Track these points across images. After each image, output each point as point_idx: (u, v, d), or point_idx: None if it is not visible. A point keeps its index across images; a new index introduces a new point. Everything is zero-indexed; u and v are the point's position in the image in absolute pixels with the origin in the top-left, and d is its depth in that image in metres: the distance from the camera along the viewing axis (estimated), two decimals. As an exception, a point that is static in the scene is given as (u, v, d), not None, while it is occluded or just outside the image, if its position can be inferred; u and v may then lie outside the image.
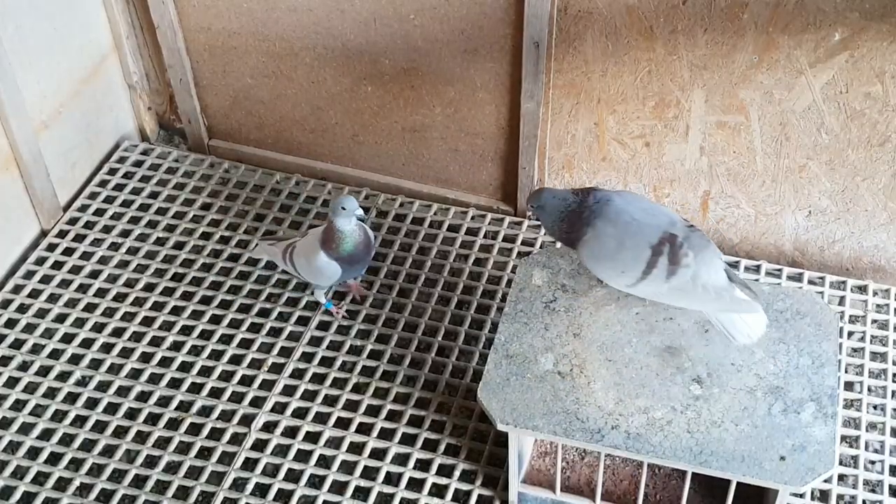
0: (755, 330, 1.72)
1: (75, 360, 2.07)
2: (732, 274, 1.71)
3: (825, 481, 1.86)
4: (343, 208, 1.90)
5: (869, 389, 2.02)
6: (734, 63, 2.00)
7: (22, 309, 2.17)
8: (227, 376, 2.04)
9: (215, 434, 1.95)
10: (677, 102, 2.09)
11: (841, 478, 1.88)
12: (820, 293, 2.17)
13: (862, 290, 2.19)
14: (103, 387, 2.03)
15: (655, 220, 1.69)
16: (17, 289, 2.21)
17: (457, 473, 1.89)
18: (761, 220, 2.22)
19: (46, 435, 1.95)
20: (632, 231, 1.68)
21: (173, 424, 1.96)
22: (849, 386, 2.02)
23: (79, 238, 2.32)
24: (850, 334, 2.12)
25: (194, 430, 1.95)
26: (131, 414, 1.98)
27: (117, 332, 2.12)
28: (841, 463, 1.90)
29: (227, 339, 2.11)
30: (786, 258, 2.26)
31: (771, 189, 2.16)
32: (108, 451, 1.92)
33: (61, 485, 1.88)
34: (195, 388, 2.02)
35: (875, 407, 1.99)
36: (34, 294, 2.20)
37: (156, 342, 2.10)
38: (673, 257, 1.66)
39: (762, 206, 2.20)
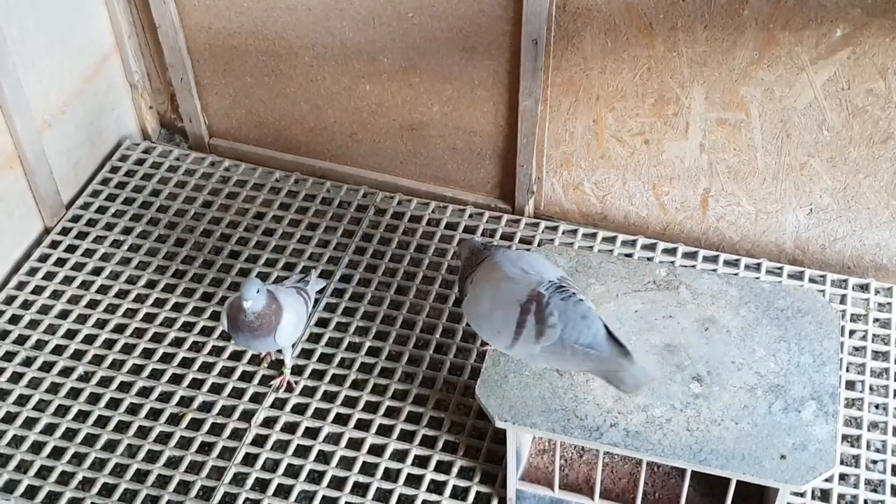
0: (640, 379, 1.59)
1: (78, 355, 2.09)
2: (610, 329, 1.60)
3: (826, 480, 1.86)
4: (241, 296, 1.81)
5: (871, 388, 2.01)
6: (734, 60, 1.99)
7: (25, 305, 2.19)
8: (227, 372, 2.05)
9: (216, 429, 1.96)
10: (677, 99, 2.08)
11: (842, 477, 1.88)
12: (821, 292, 2.16)
13: (864, 288, 2.18)
14: (105, 382, 2.04)
15: (527, 278, 1.62)
16: (21, 285, 2.22)
17: (455, 470, 1.89)
18: (762, 218, 2.21)
19: (50, 430, 1.96)
20: (503, 290, 1.63)
21: (174, 420, 1.97)
22: (850, 385, 2.01)
23: (81, 235, 2.34)
24: (852, 333, 2.10)
25: (195, 425, 1.96)
26: (133, 409, 1.99)
27: (119, 329, 2.14)
28: (842, 462, 1.89)
29: (228, 336, 2.12)
30: (787, 256, 2.26)
31: (772, 187, 2.16)
32: (111, 446, 1.94)
33: (64, 479, 1.89)
34: (196, 384, 2.03)
35: (877, 406, 1.98)
36: (37, 291, 2.21)
37: (157, 338, 2.12)
38: (539, 316, 1.58)
39: (763, 204, 2.19)
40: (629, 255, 2.24)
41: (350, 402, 2.00)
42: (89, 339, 2.12)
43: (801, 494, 1.84)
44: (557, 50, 2.09)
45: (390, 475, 1.89)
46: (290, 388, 2.01)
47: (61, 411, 1.99)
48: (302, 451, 1.92)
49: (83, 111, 2.42)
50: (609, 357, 1.58)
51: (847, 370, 2.04)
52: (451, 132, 2.30)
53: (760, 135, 2.08)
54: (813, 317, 1.77)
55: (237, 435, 1.95)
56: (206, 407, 1.99)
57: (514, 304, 1.61)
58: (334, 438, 1.94)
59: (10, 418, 1.98)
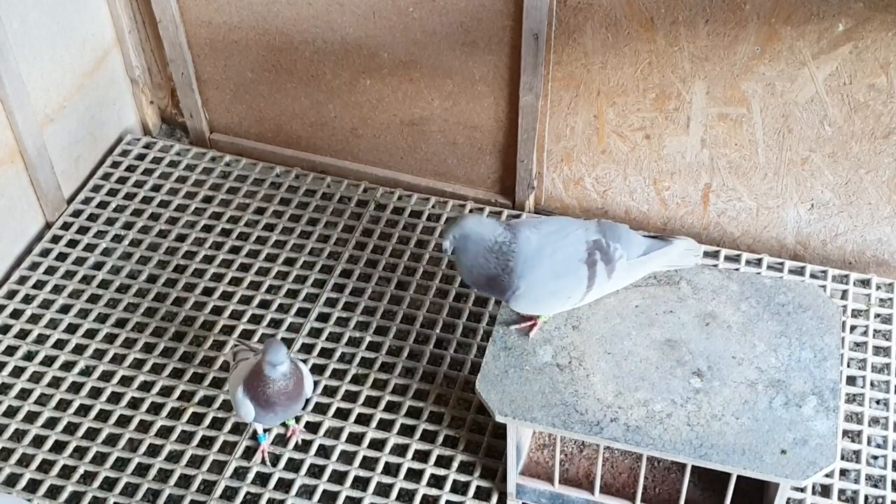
0: (693, 250, 1.77)
1: (79, 350, 2.09)
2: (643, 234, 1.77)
3: (827, 476, 1.86)
4: (269, 363, 1.70)
5: (872, 384, 2.00)
6: (736, 54, 1.99)
7: (27, 300, 2.19)
8: (228, 367, 2.06)
9: (217, 424, 1.96)
10: (678, 94, 2.08)
11: (843, 472, 1.87)
12: (822, 287, 2.15)
13: (865, 283, 2.18)
14: (107, 376, 2.04)
15: (570, 236, 1.68)
16: (22, 280, 2.23)
17: (455, 465, 1.89)
18: (763, 213, 2.21)
19: (51, 424, 1.97)
20: (560, 261, 1.66)
21: (175, 414, 1.98)
22: (851, 380, 2.01)
23: (82, 230, 2.34)
24: (853, 328, 2.10)
25: (196, 419, 1.97)
26: (134, 403, 2.00)
27: (120, 323, 2.14)
28: (843, 458, 1.89)
29: (228, 331, 2.12)
30: (788, 252, 2.25)
31: (773, 182, 2.15)
32: (112, 440, 1.94)
33: (65, 473, 1.90)
34: (197, 379, 2.03)
35: (878, 402, 1.98)
36: (39, 285, 2.22)
37: (158, 333, 2.12)
38: (606, 257, 1.68)
39: (764, 200, 2.19)
40: (630, 251, 2.24)
41: (350, 397, 2.00)
42: (91, 334, 2.12)
43: (802, 489, 1.84)
44: (558, 45, 2.09)
45: (391, 470, 1.89)
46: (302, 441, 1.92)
47: (63, 405, 2.00)
48: (302, 446, 1.93)
49: (84, 106, 2.42)
50: (665, 247, 1.73)
51: (848, 366, 2.04)
52: (452, 127, 2.30)
53: (762, 130, 2.08)
54: (814, 312, 1.77)
55: (238, 429, 1.95)
56: (208, 401, 2.00)
57: (577, 264, 1.66)
58: (335, 433, 1.94)
59: (11, 412, 1.99)
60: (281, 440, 1.93)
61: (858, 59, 1.92)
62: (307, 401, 1.88)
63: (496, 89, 2.20)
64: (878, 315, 2.12)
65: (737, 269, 2.14)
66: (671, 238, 1.77)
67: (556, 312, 1.75)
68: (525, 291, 1.65)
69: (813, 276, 2.18)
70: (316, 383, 2.02)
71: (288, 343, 2.09)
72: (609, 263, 1.68)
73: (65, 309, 2.17)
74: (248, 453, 1.92)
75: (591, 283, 1.68)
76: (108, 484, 1.88)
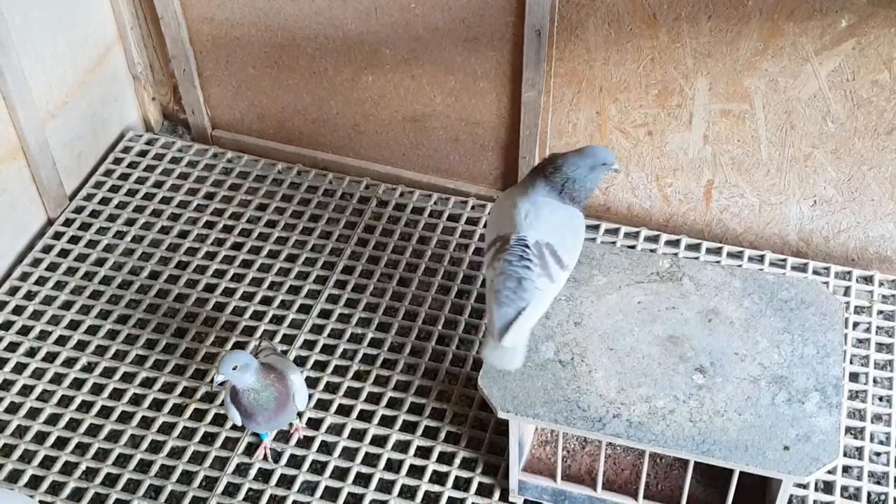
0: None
1: (81, 346, 2.09)
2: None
3: (829, 472, 1.85)
4: (234, 368, 1.67)
5: (874, 381, 2.00)
6: (738, 50, 1.98)
7: (29, 296, 2.19)
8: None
9: (219, 420, 1.96)
10: (681, 90, 2.08)
11: (846, 469, 1.87)
12: (825, 283, 2.15)
13: (868, 280, 2.17)
14: (108, 373, 2.04)
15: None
16: (24, 276, 2.23)
17: (457, 461, 1.89)
18: (765, 209, 2.20)
19: (53, 420, 1.97)
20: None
21: (177, 410, 1.98)
22: (854, 377, 2.01)
23: (84, 227, 2.34)
24: (856, 325, 2.10)
25: (198, 415, 1.97)
26: (136, 400, 2.00)
27: (122, 320, 2.14)
28: (846, 454, 1.89)
29: (230, 327, 2.12)
30: (790, 248, 2.25)
31: (775, 178, 2.15)
32: (114, 437, 1.94)
33: (67, 469, 1.90)
34: (199, 375, 2.03)
35: (881, 398, 1.98)
36: (41, 281, 2.22)
37: (161, 329, 2.12)
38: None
39: (766, 196, 2.18)
40: (632, 247, 2.24)
41: (352, 394, 2.00)
42: (92, 330, 2.12)
43: (805, 486, 1.84)
44: (560, 41, 2.08)
45: (393, 466, 1.89)
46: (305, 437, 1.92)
47: (65, 402, 2.00)
48: (304, 442, 1.93)
49: (86, 102, 2.42)
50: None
51: (851, 362, 2.03)
52: (454, 123, 2.30)
53: (764, 126, 2.08)
54: (817, 308, 1.76)
55: (240, 426, 1.95)
56: (210, 398, 2.00)
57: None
58: (337, 429, 1.94)
59: (13, 408, 1.99)
60: (283, 436, 1.93)
61: (861, 56, 1.92)
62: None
63: (498, 85, 2.20)
64: (880, 312, 2.12)
65: (739, 266, 2.14)
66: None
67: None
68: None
69: (816, 272, 2.18)
70: (318, 380, 2.02)
71: (289, 340, 2.09)
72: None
73: (67, 305, 2.17)
74: (251, 449, 1.92)
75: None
76: (110, 480, 1.88)
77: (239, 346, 2.09)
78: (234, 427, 1.95)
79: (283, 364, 1.79)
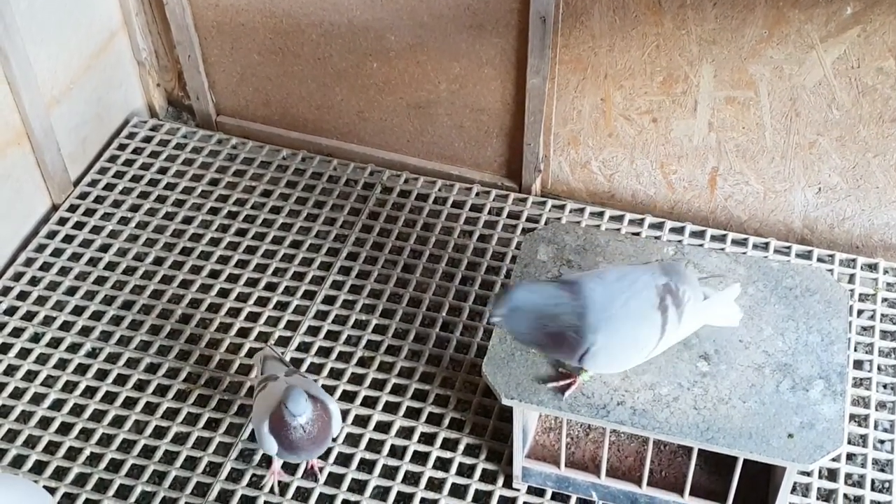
0: (735, 305, 1.68)
1: (85, 332, 2.10)
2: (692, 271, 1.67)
3: (833, 460, 1.85)
4: (289, 412, 1.64)
5: (879, 368, 2.00)
6: (744, 37, 1.98)
7: (33, 282, 2.19)
8: (234, 349, 2.06)
9: (223, 406, 1.96)
10: (686, 77, 2.07)
11: (850, 457, 1.87)
12: (830, 271, 2.15)
13: (872, 268, 2.17)
14: (113, 358, 2.05)
15: (638, 282, 1.56)
16: (29, 262, 2.23)
17: (461, 447, 1.89)
18: (770, 197, 2.20)
19: (57, 405, 1.97)
20: (634, 310, 1.54)
21: (181, 396, 1.98)
22: (858, 364, 2.01)
23: (89, 212, 2.34)
24: (860, 312, 2.10)
25: (202, 401, 1.97)
26: (140, 385, 2.00)
27: (127, 305, 2.14)
28: (850, 442, 1.89)
29: (234, 313, 2.12)
30: (795, 236, 2.25)
31: (780, 166, 2.14)
32: (118, 422, 1.95)
33: (71, 454, 1.90)
34: (203, 361, 2.04)
35: (885, 386, 1.98)
36: (45, 267, 2.22)
37: (165, 315, 2.12)
38: (676, 301, 1.57)
39: (771, 183, 2.18)
40: (637, 234, 2.23)
41: (356, 380, 2.00)
42: (97, 316, 2.12)
43: (809, 473, 1.84)
44: (565, 27, 2.08)
45: (396, 452, 1.90)
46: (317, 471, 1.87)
47: (69, 387, 2.00)
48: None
49: (91, 88, 2.42)
50: (720, 294, 1.65)
51: (855, 350, 2.03)
52: (459, 110, 2.29)
53: (769, 113, 2.07)
54: (821, 296, 1.76)
55: (244, 411, 1.95)
56: (213, 383, 2.00)
57: (651, 311, 1.55)
58: (340, 415, 1.94)
59: (18, 394, 1.99)
60: (291, 467, 1.88)
61: (867, 43, 1.91)
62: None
63: (503, 72, 2.19)
64: (885, 299, 2.12)
65: (744, 253, 2.14)
66: (721, 281, 1.68)
67: (629, 367, 1.62)
68: (602, 347, 1.53)
69: (820, 260, 2.18)
70: (322, 366, 2.02)
71: (293, 326, 2.10)
72: (679, 307, 1.57)
73: (71, 291, 2.18)
74: (254, 435, 1.92)
75: (664, 330, 1.56)
76: (114, 465, 1.88)
77: (242, 332, 2.09)
78: (237, 413, 1.95)
79: (315, 389, 1.74)
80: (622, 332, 1.54)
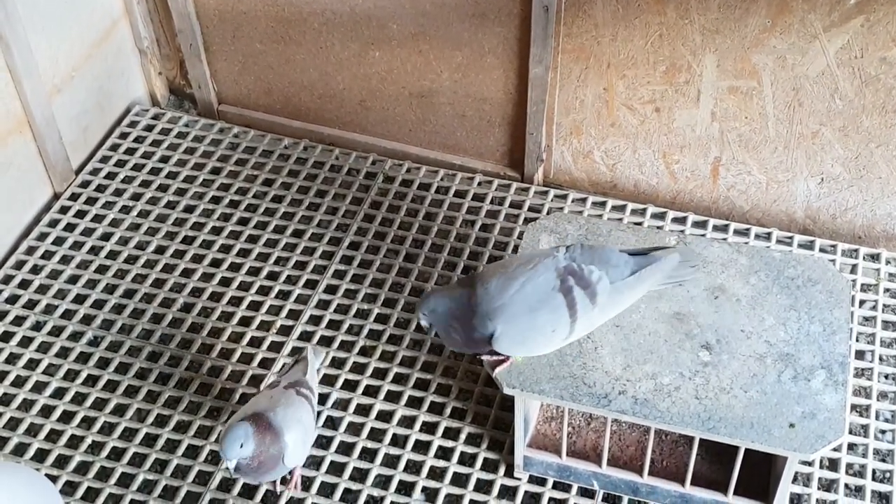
0: (690, 261, 1.69)
1: (87, 320, 2.10)
2: (631, 251, 1.65)
3: (835, 450, 1.86)
4: (241, 446, 1.59)
5: (881, 359, 2.00)
6: (747, 27, 1.97)
7: (35, 270, 2.19)
8: (236, 338, 2.06)
9: (225, 395, 1.97)
10: (688, 67, 2.06)
11: (851, 447, 1.88)
12: (832, 261, 2.15)
13: (874, 258, 2.17)
14: (115, 347, 2.05)
15: (539, 266, 1.58)
16: (31, 250, 2.23)
17: (462, 437, 1.90)
18: (773, 187, 2.20)
19: (59, 394, 1.98)
20: (529, 293, 1.57)
21: (183, 385, 1.98)
22: (860, 355, 2.01)
23: (91, 201, 2.34)
24: (862, 303, 2.10)
25: (204, 390, 1.97)
26: (142, 374, 2.01)
27: (128, 294, 2.14)
28: (851, 432, 1.89)
29: (236, 301, 2.12)
30: (797, 226, 2.24)
31: (783, 155, 2.14)
32: (120, 410, 1.95)
33: (73, 442, 1.91)
34: (205, 349, 2.04)
35: (886, 376, 1.98)
36: (47, 255, 2.22)
37: (167, 304, 2.12)
38: (582, 282, 1.57)
39: (774, 173, 2.17)
40: (639, 224, 2.23)
41: (358, 369, 2.00)
42: (99, 304, 2.13)
43: (810, 463, 1.85)
44: (568, 16, 2.07)
45: (398, 441, 1.90)
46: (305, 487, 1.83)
47: (70, 375, 2.01)
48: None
49: (92, 76, 2.41)
50: (656, 263, 1.63)
51: (857, 340, 2.03)
52: (461, 100, 2.29)
53: (772, 103, 2.06)
54: (823, 286, 1.76)
55: (247, 400, 1.95)
56: (215, 372, 2.00)
57: (550, 293, 1.57)
58: (342, 405, 1.95)
59: (19, 382, 2.00)
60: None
61: (870, 33, 1.90)
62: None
63: (505, 61, 2.18)
64: (887, 290, 2.12)
65: (746, 243, 2.13)
66: (662, 250, 1.67)
67: (550, 350, 1.64)
68: (503, 333, 1.57)
69: (822, 250, 2.18)
70: (324, 355, 2.03)
71: (295, 315, 2.10)
72: (587, 288, 1.57)
73: (73, 279, 2.18)
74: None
75: (572, 311, 1.57)
76: (116, 454, 1.89)
77: (244, 321, 2.09)
78: (239, 401, 1.95)
79: (288, 415, 1.66)
80: (519, 317, 1.57)
